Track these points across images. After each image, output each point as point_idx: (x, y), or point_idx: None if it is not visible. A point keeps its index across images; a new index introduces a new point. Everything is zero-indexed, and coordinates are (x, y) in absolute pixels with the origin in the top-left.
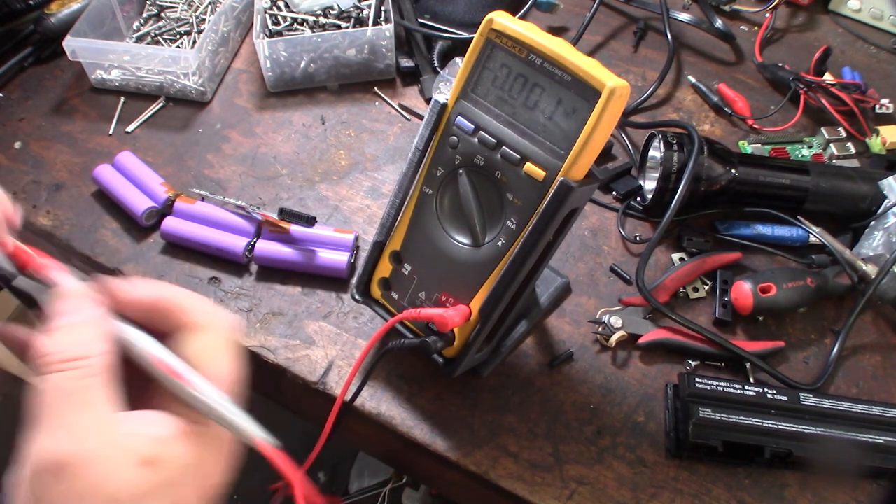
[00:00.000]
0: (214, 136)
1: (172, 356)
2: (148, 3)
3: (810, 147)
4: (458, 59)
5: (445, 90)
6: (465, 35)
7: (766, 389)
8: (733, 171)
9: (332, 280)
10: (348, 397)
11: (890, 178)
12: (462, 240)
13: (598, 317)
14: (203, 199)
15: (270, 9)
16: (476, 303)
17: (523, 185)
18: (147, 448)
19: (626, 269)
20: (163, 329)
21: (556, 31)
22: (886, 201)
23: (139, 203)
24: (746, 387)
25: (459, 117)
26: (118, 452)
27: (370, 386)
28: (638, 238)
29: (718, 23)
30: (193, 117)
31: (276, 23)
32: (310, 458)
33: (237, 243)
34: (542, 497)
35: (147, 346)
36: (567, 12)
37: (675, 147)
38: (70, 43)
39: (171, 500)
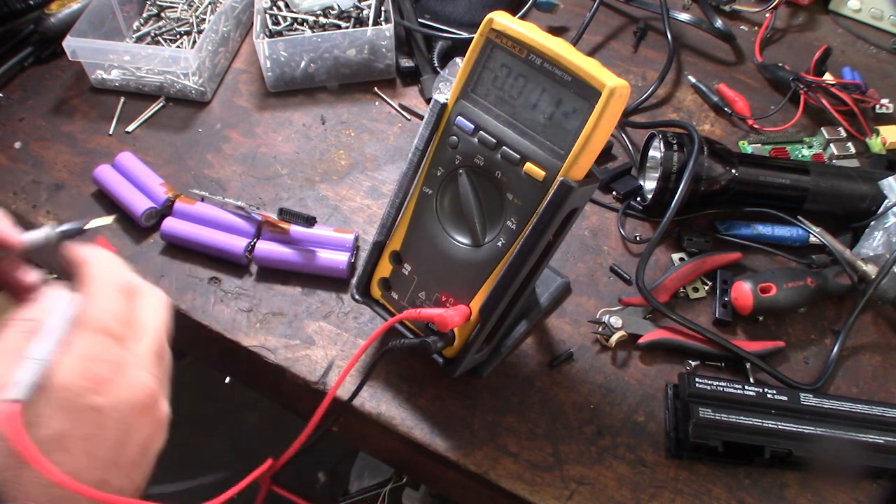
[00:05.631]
0: (214, 136)
1: None
2: (148, 3)
3: (810, 147)
4: (458, 59)
5: (445, 90)
6: (465, 35)
7: (766, 389)
8: (733, 171)
9: (332, 280)
10: (347, 396)
11: (890, 178)
12: (462, 240)
13: (598, 317)
14: (203, 199)
15: (270, 9)
16: (476, 303)
17: (523, 185)
18: None
19: (626, 269)
20: None
21: (556, 31)
22: (886, 201)
23: (139, 203)
24: (746, 387)
25: (459, 117)
26: None
27: (370, 386)
28: (638, 238)
29: (718, 23)
30: (193, 117)
31: (276, 23)
32: (293, 447)
33: (237, 244)
34: (542, 497)
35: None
36: (567, 12)
37: (675, 147)
38: (70, 43)
39: None
